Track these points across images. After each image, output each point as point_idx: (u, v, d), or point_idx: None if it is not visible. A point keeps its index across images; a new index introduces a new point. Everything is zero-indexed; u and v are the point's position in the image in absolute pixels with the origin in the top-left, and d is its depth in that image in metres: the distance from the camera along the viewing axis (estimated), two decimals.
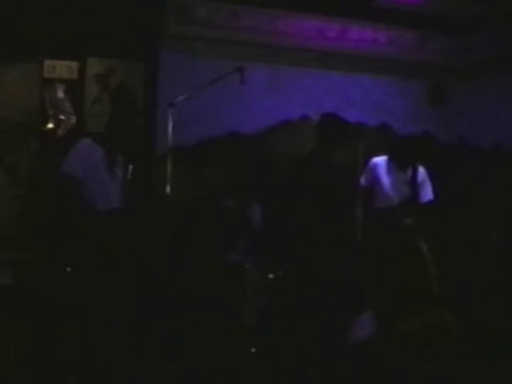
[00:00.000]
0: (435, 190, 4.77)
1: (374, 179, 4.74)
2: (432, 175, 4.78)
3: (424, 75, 6.34)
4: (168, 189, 4.08)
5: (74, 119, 4.77)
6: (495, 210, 5.48)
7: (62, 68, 5.05)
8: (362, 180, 4.68)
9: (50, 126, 4.67)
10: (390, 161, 4.75)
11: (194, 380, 3.38)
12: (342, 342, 2.39)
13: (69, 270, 3.42)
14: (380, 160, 4.80)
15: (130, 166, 3.65)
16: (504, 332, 3.71)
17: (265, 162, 5.52)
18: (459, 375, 2.12)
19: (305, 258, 4.06)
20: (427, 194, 4.74)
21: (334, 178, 4.22)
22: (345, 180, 4.31)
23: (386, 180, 4.71)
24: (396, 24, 6.08)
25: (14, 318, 3.69)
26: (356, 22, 6.00)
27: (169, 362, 3.47)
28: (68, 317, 3.34)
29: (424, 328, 2.12)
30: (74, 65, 5.09)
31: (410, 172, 4.66)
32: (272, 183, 4.87)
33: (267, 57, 5.70)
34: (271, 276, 4.14)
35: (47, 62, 5.02)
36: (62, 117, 4.70)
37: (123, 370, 3.26)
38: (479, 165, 6.00)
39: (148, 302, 3.62)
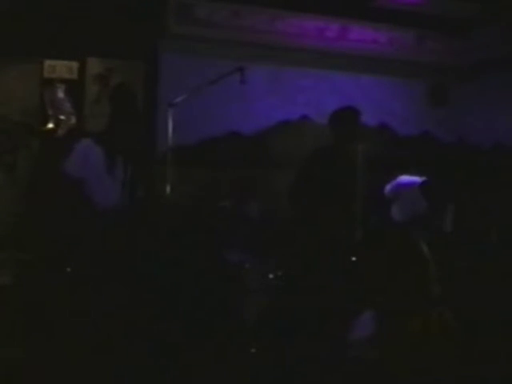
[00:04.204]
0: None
1: (397, 195, 4.62)
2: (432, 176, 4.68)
3: (424, 75, 6.34)
4: (168, 189, 4.08)
5: (73, 119, 4.77)
6: (495, 209, 5.47)
7: (62, 68, 5.05)
8: (386, 189, 4.63)
9: (50, 126, 4.67)
10: (421, 189, 4.55)
11: (194, 380, 3.38)
12: (342, 342, 2.39)
13: (68, 270, 3.43)
14: (410, 181, 4.60)
15: (130, 166, 3.65)
16: (504, 330, 3.71)
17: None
18: (459, 375, 2.12)
19: (308, 256, 4.05)
20: (446, 227, 4.57)
21: (349, 174, 4.17)
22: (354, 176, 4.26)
23: (406, 203, 4.54)
24: (396, 24, 6.08)
25: (14, 317, 3.69)
26: (356, 22, 6.00)
27: (168, 362, 3.46)
28: (68, 317, 3.34)
29: (424, 328, 2.12)
30: (74, 65, 5.10)
31: (438, 210, 4.47)
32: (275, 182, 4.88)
33: (267, 57, 5.70)
34: (271, 276, 4.14)
35: (47, 62, 5.02)
36: (62, 117, 4.70)
37: (123, 370, 3.26)
38: (479, 165, 6.00)
39: (147, 303, 3.62)
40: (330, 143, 4.37)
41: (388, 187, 4.68)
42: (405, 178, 4.66)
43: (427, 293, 2.17)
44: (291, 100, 5.82)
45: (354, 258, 3.96)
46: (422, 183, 4.55)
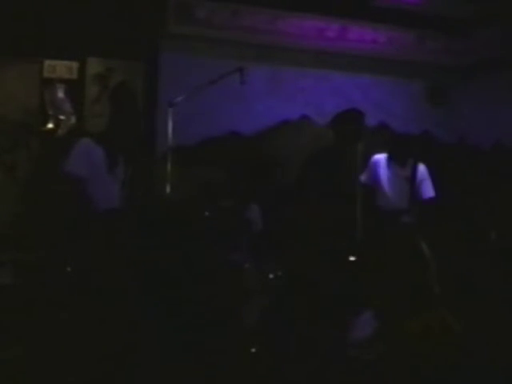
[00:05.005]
0: (436, 190, 4.74)
1: (374, 176, 4.73)
2: (432, 174, 4.76)
3: (424, 75, 6.34)
4: (168, 189, 4.08)
5: (73, 119, 4.77)
6: (495, 209, 5.48)
7: (61, 68, 5.05)
8: (362, 177, 4.68)
9: (50, 126, 4.67)
10: (389, 158, 4.73)
11: (194, 380, 3.38)
12: (342, 342, 2.39)
13: (69, 269, 3.42)
14: (380, 157, 4.78)
15: (130, 166, 3.65)
16: (504, 329, 3.71)
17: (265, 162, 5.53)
18: (459, 375, 2.12)
19: (308, 256, 4.06)
20: (428, 191, 4.70)
21: (349, 174, 4.19)
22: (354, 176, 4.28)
23: (385, 177, 4.69)
24: (396, 24, 6.08)
25: (14, 317, 3.69)
26: (356, 22, 6.01)
27: (169, 362, 3.46)
28: (68, 317, 3.34)
29: (424, 328, 2.12)
30: (74, 65, 5.10)
31: (409, 169, 4.63)
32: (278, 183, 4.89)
33: (267, 57, 5.70)
34: (271, 276, 4.14)
35: (47, 62, 5.02)
36: (62, 117, 4.70)
37: (123, 370, 3.26)
38: (479, 165, 6.01)
39: (147, 303, 3.62)
40: (332, 144, 4.38)
41: (363, 175, 4.74)
42: (375, 157, 4.77)
43: (427, 293, 2.17)
44: (291, 100, 5.82)
45: (354, 258, 3.96)
46: (390, 151, 4.68)
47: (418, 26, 6.17)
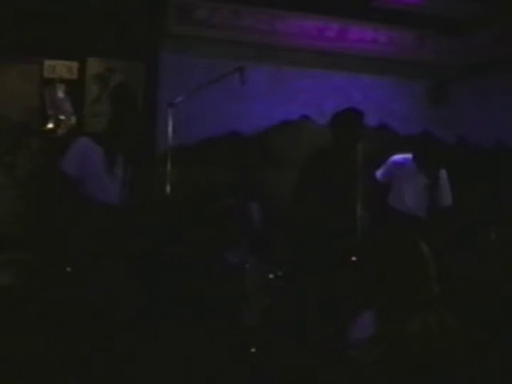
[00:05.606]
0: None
1: (393, 176, 4.61)
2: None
3: (424, 75, 6.34)
4: (168, 189, 4.08)
5: (73, 119, 4.77)
6: (495, 209, 5.48)
7: (61, 68, 5.05)
8: (378, 174, 4.63)
9: (50, 126, 4.67)
10: (413, 161, 4.60)
11: (194, 380, 3.38)
12: (341, 342, 2.38)
13: (68, 269, 3.42)
14: (402, 158, 4.63)
15: (130, 166, 3.65)
16: (504, 331, 3.71)
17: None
18: (459, 375, 2.12)
19: (308, 256, 4.05)
20: (447, 199, 4.60)
21: (351, 173, 4.17)
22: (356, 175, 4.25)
23: (405, 181, 4.53)
24: (396, 24, 6.08)
25: (14, 317, 3.69)
26: (356, 22, 6.01)
27: (169, 363, 3.46)
28: (68, 316, 3.34)
29: (424, 328, 2.12)
30: (74, 65, 5.10)
31: (433, 176, 4.50)
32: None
33: (267, 57, 5.70)
34: (271, 276, 4.14)
35: (47, 62, 5.02)
36: (62, 117, 4.70)
37: (123, 371, 3.26)
38: (479, 165, 6.00)
39: (147, 302, 3.62)
40: (331, 144, 4.36)
41: (380, 172, 4.67)
42: (397, 157, 4.67)
43: (427, 293, 2.17)
44: (291, 100, 5.82)
45: (354, 258, 3.96)
46: (415, 155, 4.57)
47: (419, 26, 6.17)
